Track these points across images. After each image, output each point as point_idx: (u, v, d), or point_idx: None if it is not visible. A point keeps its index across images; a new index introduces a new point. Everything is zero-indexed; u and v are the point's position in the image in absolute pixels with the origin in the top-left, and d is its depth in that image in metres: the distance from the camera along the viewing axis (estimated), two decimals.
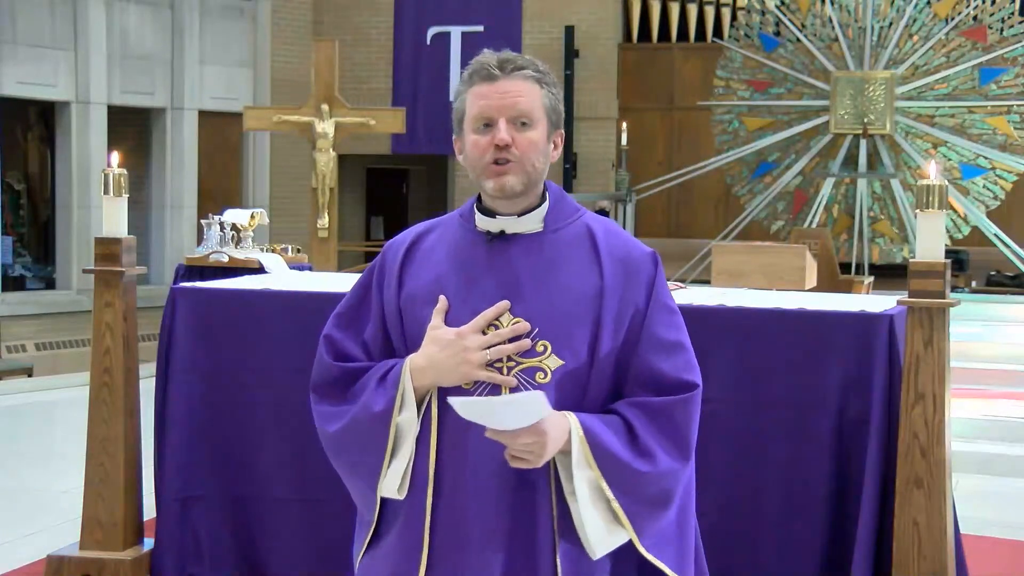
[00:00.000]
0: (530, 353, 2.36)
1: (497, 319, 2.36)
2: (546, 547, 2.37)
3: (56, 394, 9.89)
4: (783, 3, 13.32)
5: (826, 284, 8.66)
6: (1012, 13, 12.85)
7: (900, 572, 3.87)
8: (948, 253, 4.49)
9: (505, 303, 2.35)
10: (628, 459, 2.36)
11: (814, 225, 12.32)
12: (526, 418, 2.25)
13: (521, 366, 2.35)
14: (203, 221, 8.02)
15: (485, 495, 2.34)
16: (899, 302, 3.99)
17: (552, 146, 2.43)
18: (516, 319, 2.36)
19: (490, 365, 2.35)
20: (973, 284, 12.62)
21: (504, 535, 2.35)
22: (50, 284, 14.11)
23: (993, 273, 12.87)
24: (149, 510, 4.86)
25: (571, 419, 2.32)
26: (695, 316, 4.20)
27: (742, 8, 14.44)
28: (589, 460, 2.33)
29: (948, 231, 12.10)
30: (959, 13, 12.79)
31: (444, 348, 2.34)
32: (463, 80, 2.44)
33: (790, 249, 7.92)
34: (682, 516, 2.51)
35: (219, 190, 14.59)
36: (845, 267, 11.92)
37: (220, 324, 4.61)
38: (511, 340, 2.35)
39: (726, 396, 4.09)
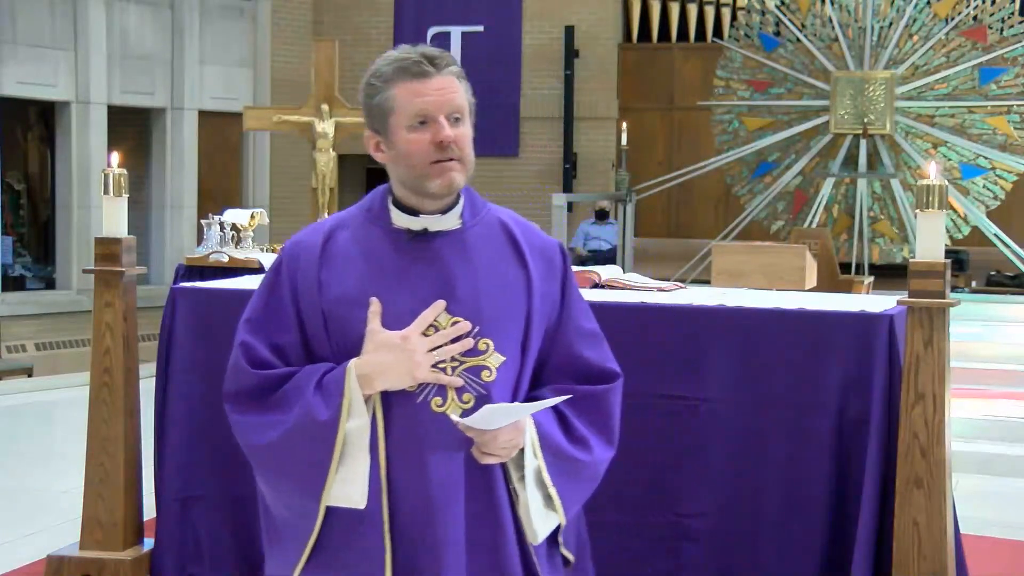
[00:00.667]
0: (473, 352, 2.35)
1: (435, 319, 2.34)
2: (511, 540, 2.39)
3: (56, 394, 9.89)
4: (783, 3, 13.32)
5: (826, 284, 8.66)
6: (1012, 13, 12.84)
7: (900, 572, 3.87)
8: (948, 253, 4.48)
9: (441, 303, 2.32)
10: (567, 448, 2.42)
11: (814, 225, 12.32)
12: (513, 415, 2.31)
13: (465, 365, 2.35)
14: (203, 221, 8.02)
15: (446, 496, 2.33)
16: (899, 302, 3.99)
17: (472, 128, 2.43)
18: (455, 318, 2.35)
19: (434, 366, 2.33)
20: (973, 284, 12.61)
21: (470, 532, 2.35)
22: (50, 284, 14.11)
23: (993, 273, 12.87)
24: (149, 510, 4.86)
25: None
26: (695, 316, 4.21)
27: (742, 8, 14.44)
28: (536, 449, 2.38)
29: (948, 231, 12.10)
30: (959, 13, 12.79)
31: (390, 352, 2.29)
32: (381, 76, 2.37)
33: (790, 249, 7.91)
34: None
35: (219, 190, 14.59)
36: (845, 267, 11.92)
37: (220, 324, 4.61)
38: (454, 340, 2.33)
39: (726, 396, 4.09)
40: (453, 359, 2.34)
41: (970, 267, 13.05)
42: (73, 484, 5.42)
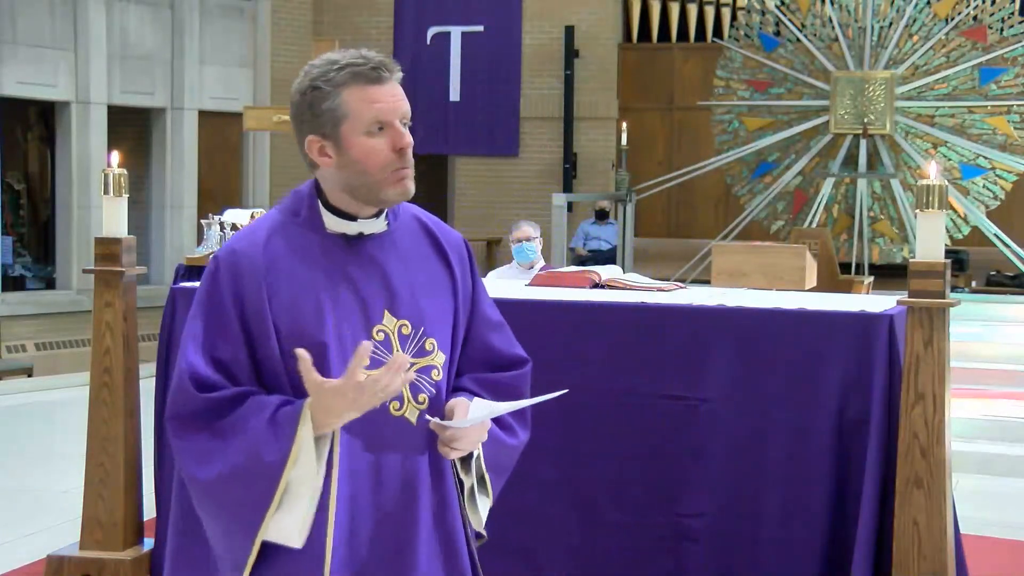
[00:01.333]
0: (422, 352, 2.37)
1: (382, 325, 2.34)
2: (462, 538, 2.44)
3: (56, 394, 9.89)
4: (783, 3, 13.32)
5: (826, 284, 8.66)
6: (1012, 13, 12.84)
7: (900, 572, 3.87)
8: (948, 253, 4.49)
9: (368, 345, 2.19)
10: (500, 435, 2.47)
11: (814, 225, 12.32)
12: (488, 413, 2.38)
13: (416, 366, 2.35)
14: (203, 221, 8.01)
15: (405, 500, 2.35)
16: (899, 302, 3.99)
17: None
18: (402, 320, 2.35)
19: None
20: (973, 284, 12.61)
21: (428, 533, 2.39)
22: (50, 284, 14.11)
23: (993, 273, 12.86)
24: (149, 510, 4.86)
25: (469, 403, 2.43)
26: (695, 316, 4.22)
27: (742, 8, 14.44)
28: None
29: (948, 231, 12.10)
30: (959, 13, 12.78)
31: (351, 398, 2.19)
32: (331, 81, 2.30)
33: (790, 249, 7.91)
34: None
35: (219, 190, 14.59)
36: (845, 267, 11.92)
37: None
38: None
39: (726, 396, 4.09)
40: None
41: (970, 267, 13.05)
42: (73, 484, 5.42)
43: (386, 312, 2.35)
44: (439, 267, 2.45)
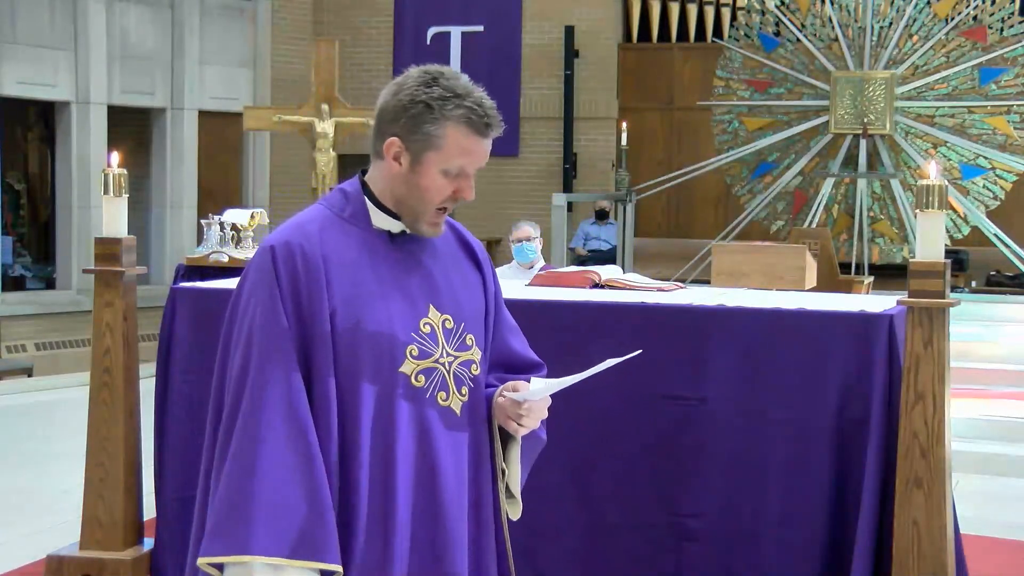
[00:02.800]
0: (463, 347, 2.46)
1: (428, 318, 2.43)
2: (489, 528, 2.54)
3: (56, 394, 9.88)
4: (783, 3, 13.32)
5: (826, 284, 8.66)
6: (1012, 13, 12.84)
7: (900, 572, 3.87)
8: (948, 253, 4.48)
9: None
10: (536, 430, 2.58)
11: (814, 225, 12.31)
12: (558, 386, 2.50)
13: (459, 360, 2.45)
14: (203, 221, 8.01)
15: (455, 490, 2.45)
16: (899, 302, 3.99)
17: None
18: (446, 315, 2.45)
19: (435, 363, 2.42)
20: (973, 284, 12.61)
21: (469, 524, 2.49)
22: (50, 284, 14.11)
23: (993, 273, 12.86)
24: (149, 510, 4.86)
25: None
26: (695, 316, 4.21)
27: (742, 8, 14.43)
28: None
29: (948, 231, 12.10)
30: (959, 13, 12.78)
31: None
32: (444, 108, 2.36)
33: (790, 249, 7.91)
34: None
35: (219, 190, 14.59)
36: (845, 267, 11.92)
37: (220, 324, 4.60)
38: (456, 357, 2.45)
39: (726, 396, 4.09)
40: (448, 354, 2.44)
41: (970, 267, 13.05)
42: (73, 484, 5.42)
43: (431, 307, 2.44)
44: (471, 268, 2.57)
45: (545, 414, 2.52)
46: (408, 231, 2.45)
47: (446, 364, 2.43)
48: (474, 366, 2.47)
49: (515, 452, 2.57)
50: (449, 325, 2.44)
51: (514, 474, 2.57)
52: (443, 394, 2.42)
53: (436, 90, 2.39)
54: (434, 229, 2.44)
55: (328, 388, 2.34)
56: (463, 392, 2.45)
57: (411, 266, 2.44)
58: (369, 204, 2.44)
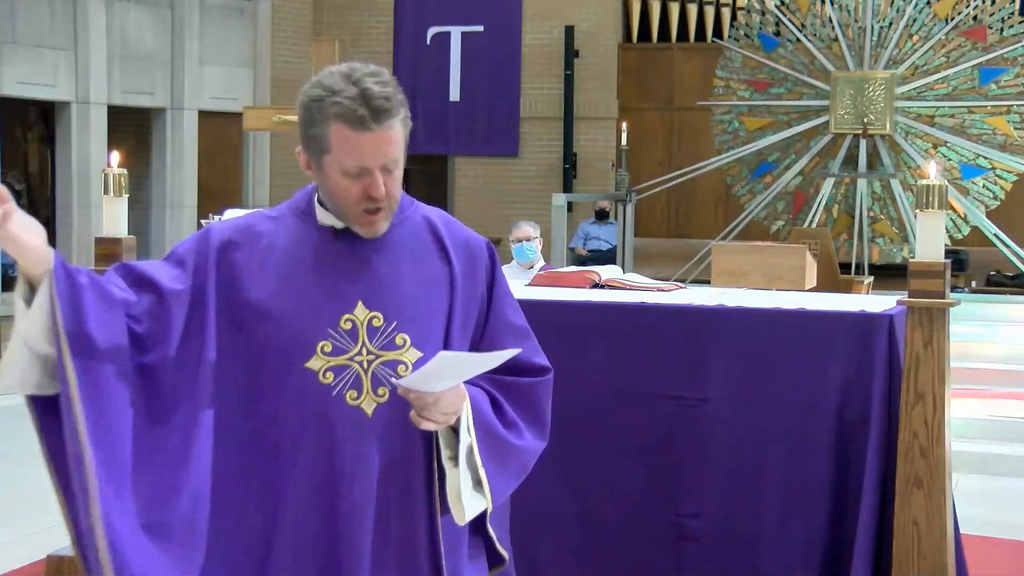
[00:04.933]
0: (391, 346, 2.37)
1: (352, 315, 2.36)
2: (423, 536, 2.39)
3: None
4: (783, 3, 13.32)
5: (826, 284, 8.65)
6: (1012, 13, 12.84)
7: (900, 572, 3.87)
8: (948, 253, 4.49)
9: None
10: (500, 431, 2.43)
11: (814, 225, 12.32)
12: (460, 375, 2.31)
13: (381, 359, 2.36)
14: (203, 221, 8.01)
15: (354, 500, 2.34)
16: (899, 302, 3.99)
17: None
18: (374, 312, 2.37)
19: (350, 360, 2.34)
20: (973, 284, 12.61)
21: (377, 530, 2.36)
22: None
23: (993, 273, 12.86)
24: None
25: (462, 386, 2.37)
26: (695, 316, 4.21)
27: (742, 8, 14.44)
28: (470, 426, 2.38)
29: (948, 231, 12.10)
30: (959, 13, 12.78)
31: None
32: (321, 110, 2.28)
33: (790, 249, 7.90)
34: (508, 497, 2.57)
35: (219, 190, 14.58)
36: (845, 267, 11.91)
37: None
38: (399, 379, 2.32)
39: (726, 396, 4.09)
40: (369, 352, 2.35)
41: (970, 267, 13.05)
42: None
43: (360, 303, 2.37)
44: (435, 266, 2.44)
45: (456, 408, 2.33)
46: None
47: (364, 363, 2.35)
48: (402, 367, 2.35)
49: (463, 451, 2.38)
50: (377, 323, 2.36)
51: (452, 477, 2.39)
52: (353, 393, 2.34)
53: (315, 90, 2.31)
54: (368, 229, 2.35)
55: (206, 358, 2.33)
56: (380, 392, 2.34)
57: (350, 262, 2.38)
58: (316, 201, 2.42)
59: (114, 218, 4.78)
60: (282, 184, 14.89)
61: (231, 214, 8.02)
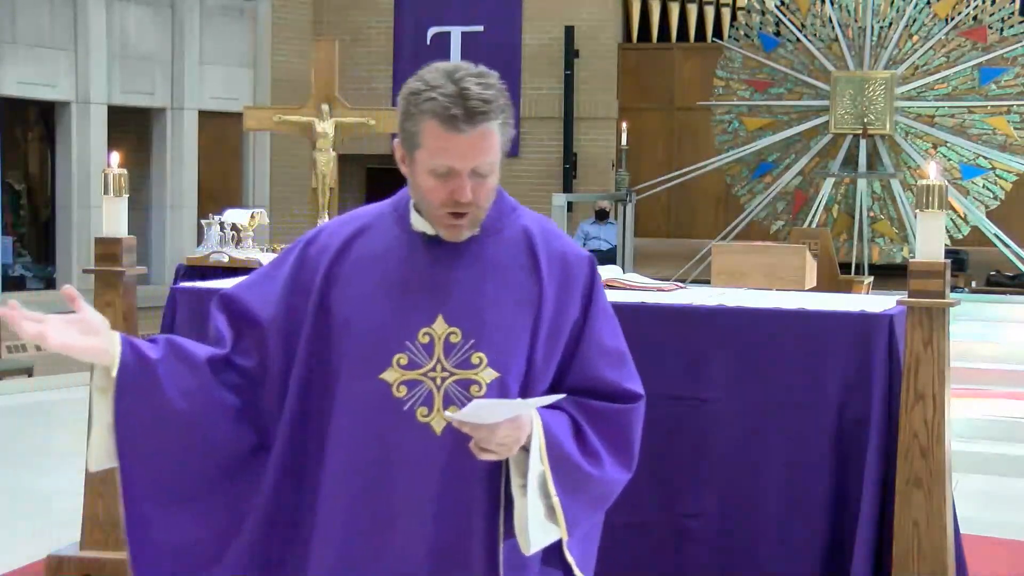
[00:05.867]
0: (466, 365, 2.27)
1: (430, 328, 2.29)
2: (480, 545, 2.30)
3: (56, 394, 9.88)
4: (783, 3, 13.32)
5: (826, 284, 8.65)
6: (1012, 13, 12.84)
7: (900, 572, 3.87)
8: (948, 253, 4.49)
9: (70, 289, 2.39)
10: (578, 459, 2.31)
11: (814, 225, 12.31)
12: (512, 409, 2.21)
13: (454, 377, 2.28)
14: (203, 221, 8.02)
15: (410, 510, 2.28)
16: (899, 302, 3.99)
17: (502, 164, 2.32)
18: (453, 328, 2.28)
19: (424, 376, 2.28)
20: (973, 284, 12.61)
21: (422, 545, 2.30)
22: (50, 284, 14.09)
23: (993, 273, 12.86)
24: None
25: (532, 412, 2.26)
26: (696, 316, 4.21)
27: (742, 8, 14.44)
28: (543, 455, 2.27)
29: (948, 231, 12.10)
30: (959, 13, 12.78)
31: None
32: (417, 104, 2.23)
33: (790, 249, 7.90)
34: (597, 521, 2.47)
35: (219, 190, 14.58)
36: (845, 267, 11.91)
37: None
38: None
39: (726, 396, 4.09)
40: (443, 369, 2.27)
41: (970, 267, 13.04)
42: (73, 484, 5.42)
43: (440, 317, 2.29)
44: (527, 282, 2.32)
45: (516, 439, 2.21)
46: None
47: (437, 379, 2.27)
48: (476, 387, 2.26)
49: (533, 479, 2.26)
50: (454, 339, 2.28)
51: (519, 507, 2.27)
52: (424, 410, 2.26)
53: (415, 83, 2.25)
54: (450, 233, 2.27)
55: (298, 377, 2.35)
56: (451, 411, 2.22)
57: (436, 272, 2.30)
58: (412, 205, 2.34)
59: (114, 218, 4.78)
60: (282, 184, 14.89)
61: (231, 214, 8.03)
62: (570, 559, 2.36)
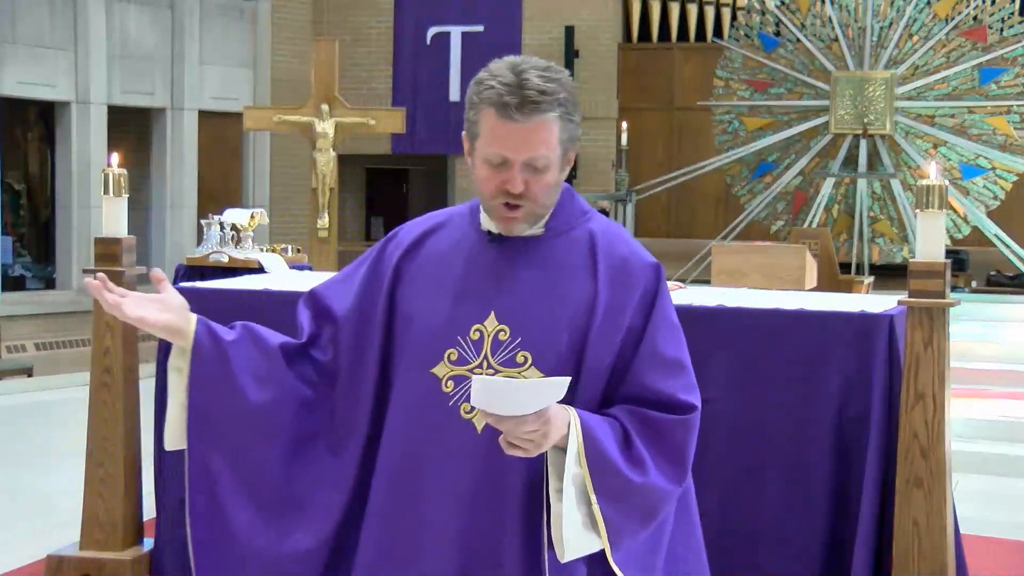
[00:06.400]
0: (511, 363, 2.27)
1: (481, 325, 2.29)
2: (513, 551, 2.25)
3: (56, 394, 9.88)
4: (783, 3, 13.33)
5: (826, 284, 8.66)
6: (1012, 13, 12.85)
7: (900, 572, 3.87)
8: (948, 253, 4.49)
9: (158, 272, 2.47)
10: (621, 465, 2.25)
11: (814, 225, 12.32)
12: (540, 402, 2.12)
13: (500, 375, 2.26)
14: (203, 221, 8.01)
15: (442, 508, 2.27)
16: (899, 302, 3.99)
17: (565, 162, 2.29)
18: (502, 326, 2.28)
19: (471, 372, 2.26)
20: (973, 284, 12.62)
21: (462, 537, 2.27)
22: (50, 284, 14.10)
23: (993, 273, 12.87)
24: (149, 510, 4.86)
25: (571, 412, 2.21)
26: (696, 316, 4.21)
27: (742, 8, 14.44)
28: (581, 458, 2.20)
29: (948, 231, 12.10)
30: (959, 13, 12.79)
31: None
32: (478, 91, 2.25)
33: (790, 249, 7.92)
34: (656, 533, 2.38)
35: (219, 190, 14.58)
36: (845, 267, 11.92)
37: (220, 324, 4.61)
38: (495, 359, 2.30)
39: (726, 396, 4.09)
40: (488, 366, 2.27)
41: (970, 267, 13.05)
42: (73, 484, 5.42)
43: (492, 313, 2.30)
44: (583, 285, 2.30)
45: (544, 433, 2.13)
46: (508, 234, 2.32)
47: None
48: None
49: (569, 480, 2.19)
50: (503, 337, 2.27)
51: (555, 511, 2.20)
52: (467, 405, 2.25)
53: (481, 73, 2.26)
54: (505, 225, 2.28)
55: (369, 369, 2.39)
56: None
57: (495, 270, 2.31)
58: (481, 203, 2.36)
59: (114, 218, 4.78)
60: (282, 184, 14.89)
61: (231, 214, 8.02)
62: (618, 571, 2.28)
